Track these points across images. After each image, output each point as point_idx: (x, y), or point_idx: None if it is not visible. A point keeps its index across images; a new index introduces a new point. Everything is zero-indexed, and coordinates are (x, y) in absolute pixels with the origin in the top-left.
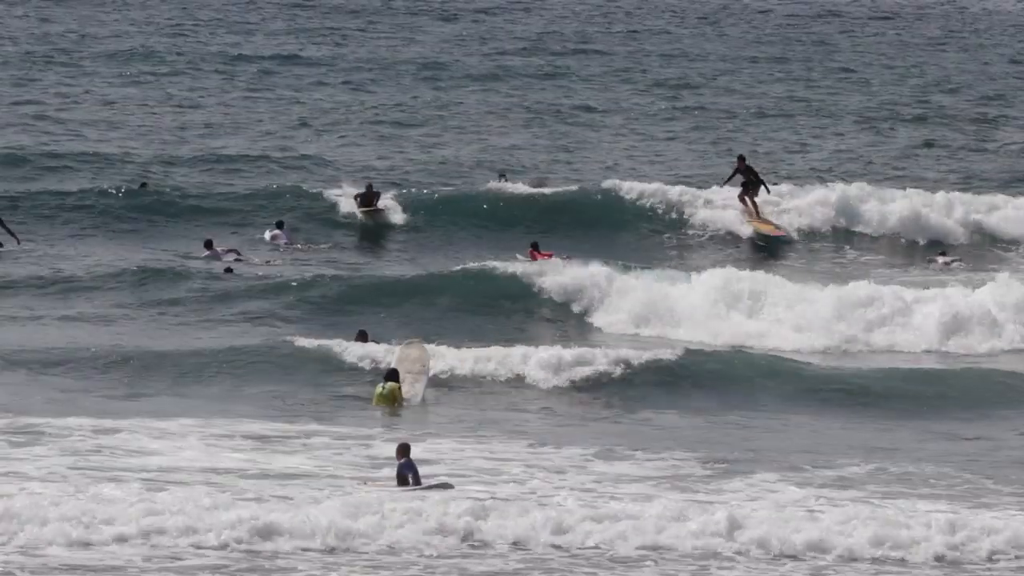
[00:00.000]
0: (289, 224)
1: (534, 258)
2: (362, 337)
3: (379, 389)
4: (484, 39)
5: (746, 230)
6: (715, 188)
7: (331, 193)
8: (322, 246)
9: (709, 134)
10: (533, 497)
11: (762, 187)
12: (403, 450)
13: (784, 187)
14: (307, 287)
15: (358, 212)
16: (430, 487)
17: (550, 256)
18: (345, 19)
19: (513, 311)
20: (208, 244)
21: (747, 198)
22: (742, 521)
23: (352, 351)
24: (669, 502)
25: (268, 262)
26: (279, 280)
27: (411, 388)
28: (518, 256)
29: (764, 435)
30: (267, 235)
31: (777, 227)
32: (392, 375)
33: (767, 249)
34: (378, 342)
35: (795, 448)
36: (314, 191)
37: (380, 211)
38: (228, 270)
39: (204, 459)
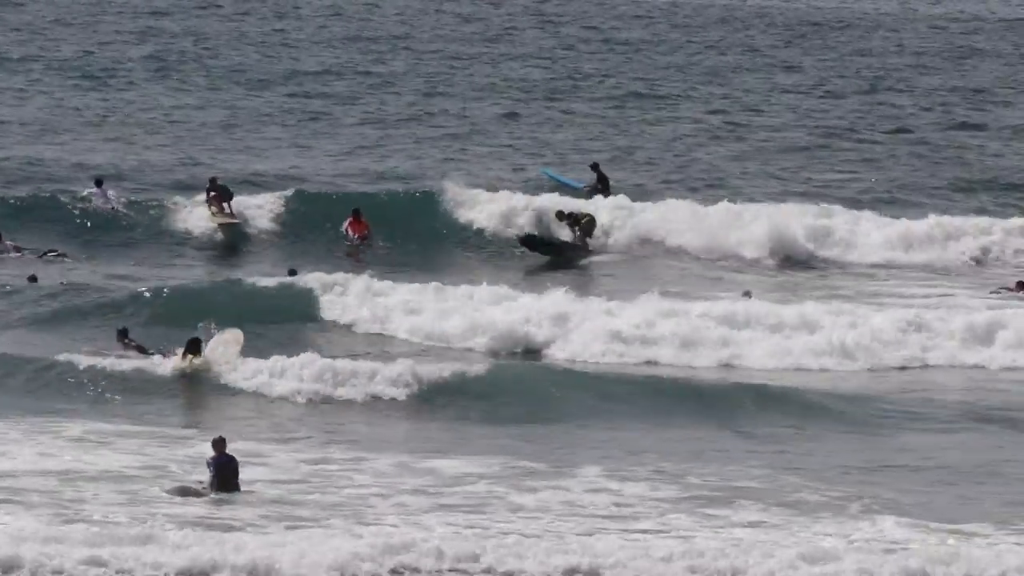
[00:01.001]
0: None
1: (352, 229)
2: (122, 336)
3: (184, 362)
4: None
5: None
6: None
7: (176, 200)
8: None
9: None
10: None
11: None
12: (216, 444)
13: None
14: (79, 292)
15: (213, 220)
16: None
17: (367, 229)
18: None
19: (295, 322)
20: None
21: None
22: None
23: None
24: None
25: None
26: (59, 289)
27: (224, 354)
28: (344, 225)
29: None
30: (87, 192)
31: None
32: (192, 346)
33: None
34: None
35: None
36: (155, 200)
37: (235, 224)
38: (32, 279)
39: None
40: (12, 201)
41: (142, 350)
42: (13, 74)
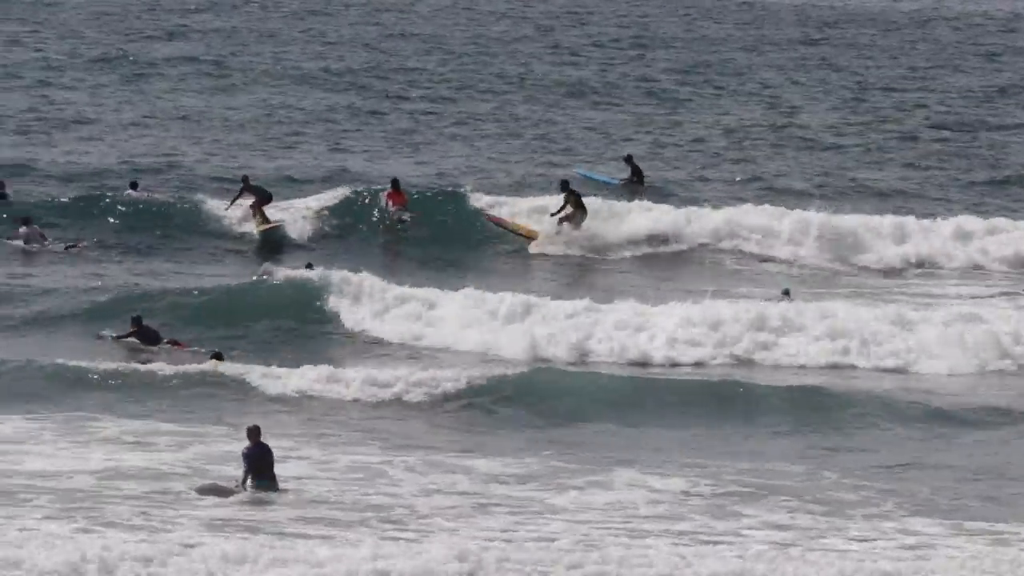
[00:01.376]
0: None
1: (392, 200)
2: (136, 323)
3: (215, 366)
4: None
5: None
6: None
7: (204, 200)
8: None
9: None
10: None
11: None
12: (250, 433)
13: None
14: (90, 292)
15: (256, 228)
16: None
17: (405, 200)
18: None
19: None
20: None
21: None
22: None
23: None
24: None
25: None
26: (88, 288)
27: None
28: (381, 196)
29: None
30: (125, 194)
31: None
32: (215, 356)
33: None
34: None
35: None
36: (187, 200)
37: (277, 226)
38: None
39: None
40: (49, 200)
41: (155, 340)
42: (53, 73)
